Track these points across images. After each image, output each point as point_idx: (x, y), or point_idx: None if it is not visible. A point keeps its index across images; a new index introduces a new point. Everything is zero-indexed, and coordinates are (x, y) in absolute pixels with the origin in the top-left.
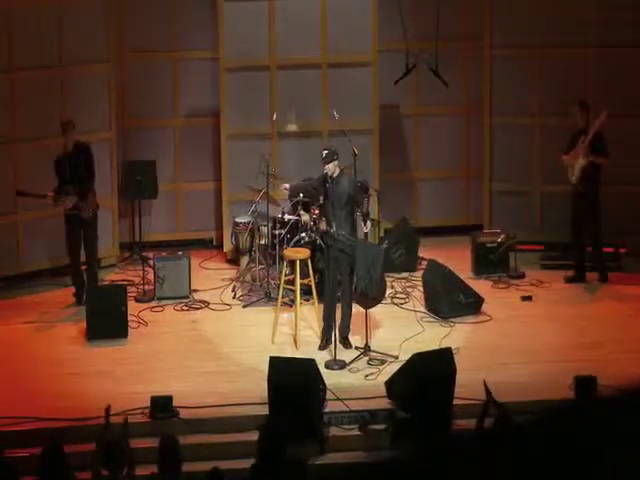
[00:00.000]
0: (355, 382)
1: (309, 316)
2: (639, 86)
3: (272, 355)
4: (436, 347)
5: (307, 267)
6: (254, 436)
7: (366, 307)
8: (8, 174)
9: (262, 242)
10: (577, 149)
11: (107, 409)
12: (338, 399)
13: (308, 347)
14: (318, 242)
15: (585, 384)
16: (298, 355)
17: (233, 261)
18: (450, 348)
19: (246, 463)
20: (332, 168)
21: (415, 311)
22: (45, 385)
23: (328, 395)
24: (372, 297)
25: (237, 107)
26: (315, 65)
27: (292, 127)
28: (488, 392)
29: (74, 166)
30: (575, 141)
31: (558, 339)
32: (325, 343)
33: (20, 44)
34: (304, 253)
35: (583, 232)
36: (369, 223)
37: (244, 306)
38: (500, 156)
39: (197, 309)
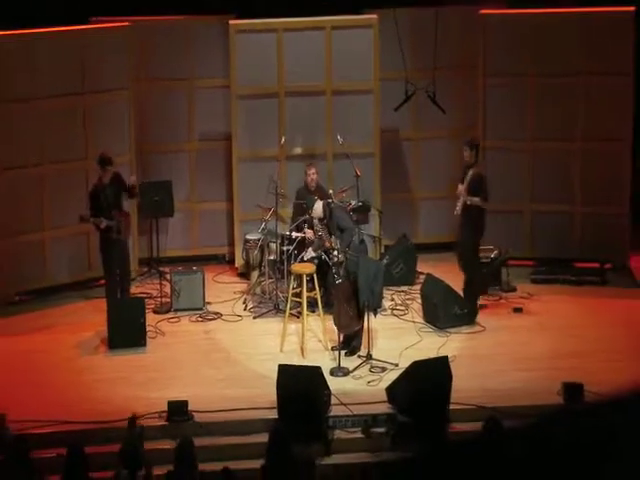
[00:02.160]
0: (358, 388)
1: (315, 326)
2: (625, 112)
3: (280, 363)
4: (433, 355)
5: (313, 281)
6: (264, 438)
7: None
8: (36, 196)
9: (271, 258)
10: (462, 186)
11: (132, 417)
12: (342, 404)
13: (314, 355)
14: (323, 257)
15: (572, 390)
16: (305, 363)
17: (244, 275)
18: (446, 356)
19: (256, 464)
20: (318, 208)
21: (414, 322)
22: (70, 391)
23: (333, 400)
24: (372, 309)
25: (247, 131)
26: (320, 92)
27: (298, 150)
28: None
29: (114, 195)
30: (464, 175)
31: (547, 348)
32: (344, 345)
33: (43, 73)
34: (310, 268)
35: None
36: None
37: (254, 317)
38: (493, 178)
39: (211, 320)
